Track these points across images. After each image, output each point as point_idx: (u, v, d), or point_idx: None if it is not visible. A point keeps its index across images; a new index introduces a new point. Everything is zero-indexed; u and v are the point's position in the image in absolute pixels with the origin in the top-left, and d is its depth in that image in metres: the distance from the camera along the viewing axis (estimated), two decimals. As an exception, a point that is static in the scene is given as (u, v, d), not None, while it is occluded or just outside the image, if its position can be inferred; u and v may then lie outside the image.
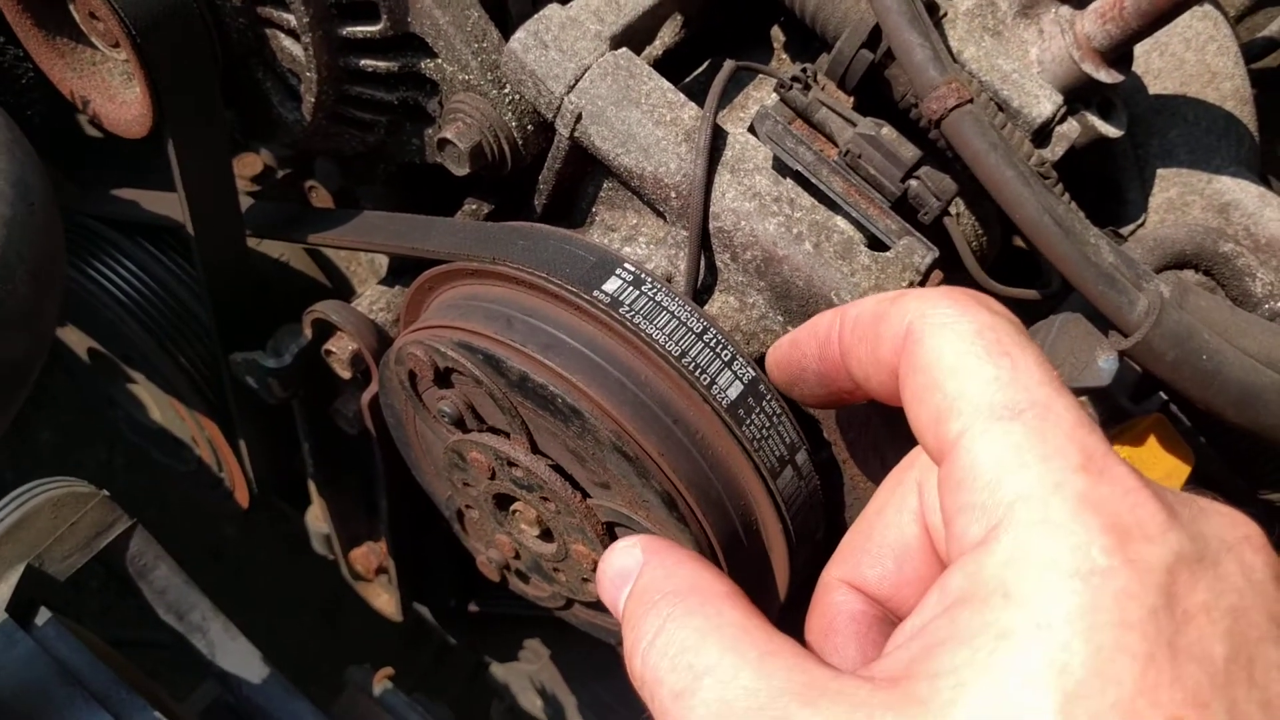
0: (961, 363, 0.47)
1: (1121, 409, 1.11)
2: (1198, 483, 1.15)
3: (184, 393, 1.41)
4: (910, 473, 0.55)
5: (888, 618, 0.54)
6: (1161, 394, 0.95)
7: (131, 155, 1.34)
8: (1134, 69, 1.11)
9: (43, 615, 1.04)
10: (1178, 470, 0.92)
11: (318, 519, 1.51)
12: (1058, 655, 0.38)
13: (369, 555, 1.47)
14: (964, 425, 0.45)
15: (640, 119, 0.88)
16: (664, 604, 0.48)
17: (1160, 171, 1.13)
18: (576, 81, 0.89)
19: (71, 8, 1.00)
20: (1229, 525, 0.43)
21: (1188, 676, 0.38)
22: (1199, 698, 0.38)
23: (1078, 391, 0.87)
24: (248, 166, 1.40)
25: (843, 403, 0.67)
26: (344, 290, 1.45)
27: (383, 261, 1.33)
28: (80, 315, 1.46)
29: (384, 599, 1.53)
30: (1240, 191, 1.11)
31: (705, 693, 0.44)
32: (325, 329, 1.11)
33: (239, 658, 1.20)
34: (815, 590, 0.55)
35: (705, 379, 0.82)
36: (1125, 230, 1.13)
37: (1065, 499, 0.41)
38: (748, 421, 0.83)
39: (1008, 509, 0.42)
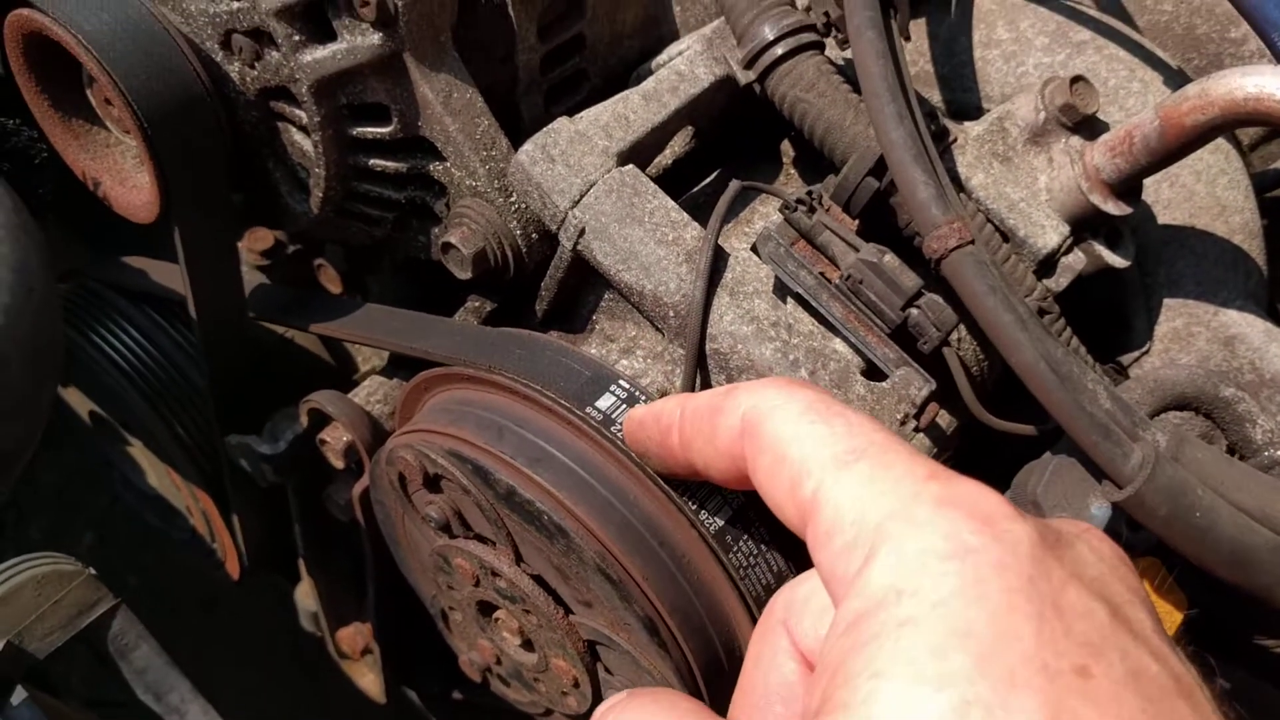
0: (800, 431, 0.52)
1: (1118, 534, 1.10)
2: (1195, 624, 1.13)
3: (180, 464, 1.41)
4: (773, 618, 0.57)
5: None
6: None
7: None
8: (1144, 199, 1.11)
9: (18, 695, 1.03)
10: (1169, 616, 0.90)
11: (306, 596, 1.50)
12: (959, 624, 0.40)
13: (356, 636, 1.46)
14: (816, 481, 0.49)
15: (643, 237, 0.88)
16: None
17: (1167, 301, 1.12)
18: (581, 197, 0.89)
19: (88, 92, 1.01)
20: (1070, 522, 0.48)
21: (1078, 631, 0.41)
22: (1094, 647, 0.41)
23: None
24: (259, 241, 1.40)
25: (690, 478, 0.71)
26: (347, 368, 1.45)
27: (386, 345, 1.34)
28: (82, 378, 1.46)
29: (369, 679, 1.51)
30: (1246, 325, 1.10)
31: None
32: (321, 418, 1.10)
33: (216, 742, 1.19)
34: None
35: (693, 504, 0.81)
36: (1129, 358, 1.12)
37: (925, 503, 0.45)
38: (735, 548, 0.82)
39: (877, 531, 0.45)
